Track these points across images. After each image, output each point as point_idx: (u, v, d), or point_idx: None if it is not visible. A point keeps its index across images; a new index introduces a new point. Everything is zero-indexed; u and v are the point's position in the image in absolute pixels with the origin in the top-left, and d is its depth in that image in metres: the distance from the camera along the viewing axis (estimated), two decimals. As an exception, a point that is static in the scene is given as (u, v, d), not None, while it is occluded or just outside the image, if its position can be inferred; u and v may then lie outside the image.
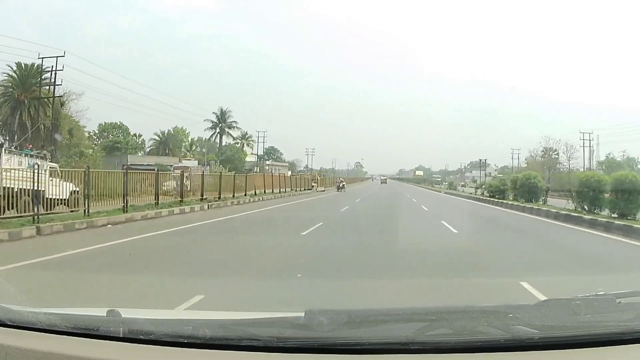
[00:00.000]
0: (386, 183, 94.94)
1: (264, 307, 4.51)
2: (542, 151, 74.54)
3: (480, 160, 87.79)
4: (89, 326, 1.45)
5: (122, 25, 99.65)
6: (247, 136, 77.96)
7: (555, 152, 72.97)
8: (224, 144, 72.46)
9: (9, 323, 1.49)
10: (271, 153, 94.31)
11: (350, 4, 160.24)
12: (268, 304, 4.85)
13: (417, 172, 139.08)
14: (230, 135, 72.71)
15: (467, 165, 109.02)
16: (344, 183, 49.19)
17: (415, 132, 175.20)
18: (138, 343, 1.39)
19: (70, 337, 1.43)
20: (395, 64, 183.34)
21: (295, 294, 5.53)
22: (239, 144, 76.76)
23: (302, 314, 1.43)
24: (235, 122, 71.91)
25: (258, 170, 61.00)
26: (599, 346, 1.37)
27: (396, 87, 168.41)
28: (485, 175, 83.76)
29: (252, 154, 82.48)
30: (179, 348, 1.36)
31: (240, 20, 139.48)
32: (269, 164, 80.00)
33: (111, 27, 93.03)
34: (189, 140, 73.35)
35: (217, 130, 71.02)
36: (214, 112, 71.09)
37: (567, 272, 7.52)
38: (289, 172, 70.39)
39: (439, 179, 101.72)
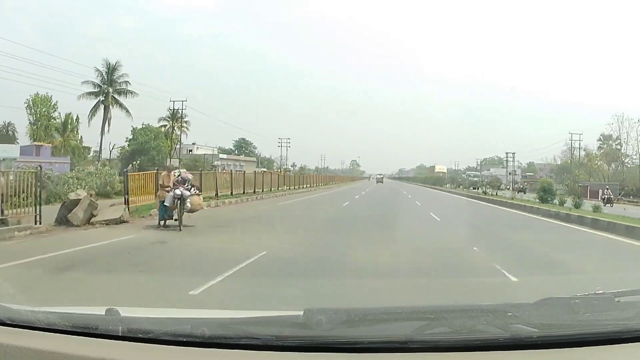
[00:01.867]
0: (382, 182, 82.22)
1: None
2: (599, 140, 57.77)
3: (507, 154, 66.51)
4: (88, 325, 1.44)
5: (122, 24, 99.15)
6: (177, 116, 51.01)
7: (617, 142, 56.62)
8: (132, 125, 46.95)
9: (7, 322, 1.49)
10: (242, 146, 77.59)
11: (350, 4, 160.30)
12: None
13: (439, 167, 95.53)
14: (121, 106, 45.22)
15: (481, 162, 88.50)
16: (183, 189, 12.11)
17: (416, 132, 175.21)
18: (137, 342, 1.39)
19: (69, 336, 1.42)
20: (395, 64, 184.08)
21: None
22: (167, 128, 51.49)
23: (301, 313, 1.43)
24: (128, 82, 44.99)
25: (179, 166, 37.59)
26: (598, 345, 1.37)
27: (396, 87, 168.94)
28: (513, 173, 64.06)
29: (217, 149, 62.19)
30: (178, 347, 1.36)
31: (240, 20, 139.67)
32: (224, 159, 59.56)
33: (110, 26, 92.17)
34: (59, 116, 45.83)
35: (101, 97, 44.27)
36: (96, 69, 44.17)
37: None
38: (261, 169, 49.46)
39: (475, 178, 61.97)
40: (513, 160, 67.33)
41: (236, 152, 74.51)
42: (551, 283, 6.42)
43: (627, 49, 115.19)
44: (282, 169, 62.52)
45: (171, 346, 1.36)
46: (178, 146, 52.27)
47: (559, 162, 63.70)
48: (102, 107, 44.37)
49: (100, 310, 1.57)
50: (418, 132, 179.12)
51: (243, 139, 77.73)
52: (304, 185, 45.80)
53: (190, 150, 56.89)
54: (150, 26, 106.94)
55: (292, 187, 39.70)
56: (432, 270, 7.38)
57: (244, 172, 30.17)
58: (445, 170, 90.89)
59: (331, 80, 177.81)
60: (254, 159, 72.43)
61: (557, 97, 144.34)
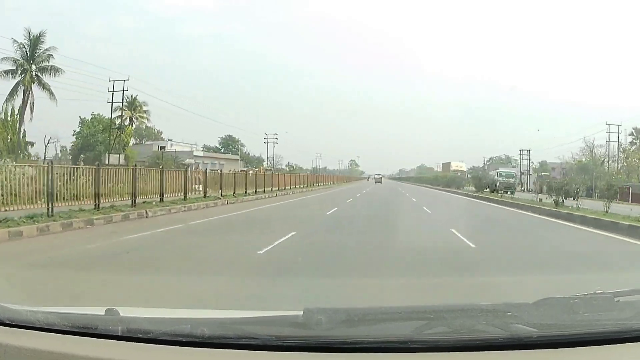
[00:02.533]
0: (381, 183, 78.52)
1: None
2: (631, 134, 52.31)
3: (521, 152, 58.45)
4: (88, 325, 1.44)
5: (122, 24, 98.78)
6: (135, 104, 42.24)
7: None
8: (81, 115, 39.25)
9: (7, 322, 1.49)
10: (229, 144, 69.99)
11: (350, 4, 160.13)
12: None
13: (456, 165, 78.82)
14: (45, 88, 36.93)
15: (488, 161, 76.44)
16: None
17: (416, 132, 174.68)
18: (136, 342, 1.39)
19: (69, 336, 1.42)
20: (395, 64, 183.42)
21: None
22: (123, 118, 42.28)
23: (301, 313, 1.43)
24: (51, 55, 36.92)
25: (124, 162, 32.19)
26: (598, 345, 1.37)
27: (396, 87, 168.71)
28: (527, 173, 56.09)
29: (202, 147, 54.41)
30: (178, 347, 1.36)
31: (240, 20, 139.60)
32: (200, 157, 50.42)
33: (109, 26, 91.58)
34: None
35: (20, 76, 36.21)
36: (14, 41, 35.98)
37: None
38: (241, 169, 43.95)
39: (511, 180, 39.79)
40: (528, 159, 59.23)
41: (222, 150, 67.50)
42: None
43: (628, 48, 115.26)
44: (262, 168, 55.23)
45: (171, 346, 1.36)
46: (150, 141, 43.92)
47: (574, 161, 57.11)
48: (22, 89, 36.68)
49: (100, 310, 1.57)
50: (418, 132, 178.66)
51: (230, 135, 69.94)
52: (277, 187, 35.29)
53: (163, 147, 47.62)
54: (150, 26, 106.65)
55: (257, 190, 29.12)
56: None
57: (161, 170, 19.35)
58: (464, 169, 75.19)
59: (331, 80, 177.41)
60: (237, 157, 62.80)
61: (557, 97, 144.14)
